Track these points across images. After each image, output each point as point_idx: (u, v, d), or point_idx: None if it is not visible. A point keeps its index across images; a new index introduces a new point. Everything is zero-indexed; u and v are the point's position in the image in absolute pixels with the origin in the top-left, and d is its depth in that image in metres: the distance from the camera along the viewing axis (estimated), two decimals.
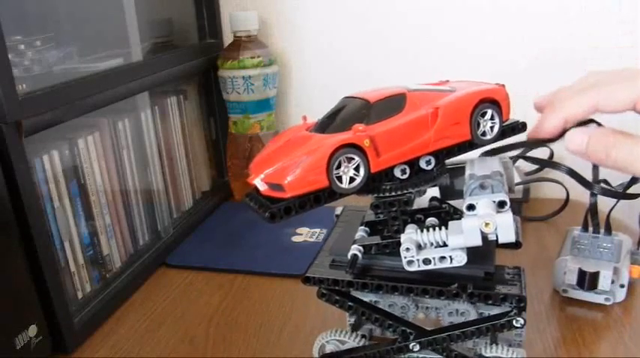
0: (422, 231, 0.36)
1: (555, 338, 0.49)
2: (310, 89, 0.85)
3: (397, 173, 0.36)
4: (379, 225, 0.39)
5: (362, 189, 0.35)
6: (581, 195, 0.56)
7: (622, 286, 0.52)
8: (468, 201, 0.34)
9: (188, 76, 0.77)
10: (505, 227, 0.33)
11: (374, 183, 0.36)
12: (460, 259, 0.35)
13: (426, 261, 0.35)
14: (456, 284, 0.37)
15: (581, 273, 0.52)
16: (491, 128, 0.37)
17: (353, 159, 0.34)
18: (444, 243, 0.35)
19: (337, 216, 0.46)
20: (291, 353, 0.49)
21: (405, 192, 0.37)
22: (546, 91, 0.40)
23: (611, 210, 0.55)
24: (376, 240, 0.39)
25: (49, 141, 0.51)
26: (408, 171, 0.36)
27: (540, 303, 0.54)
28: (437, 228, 0.36)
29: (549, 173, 0.71)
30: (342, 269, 0.39)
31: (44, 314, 0.48)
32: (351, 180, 0.34)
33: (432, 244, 0.36)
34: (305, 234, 0.70)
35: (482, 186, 0.35)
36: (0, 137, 0.43)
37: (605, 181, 0.55)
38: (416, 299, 0.47)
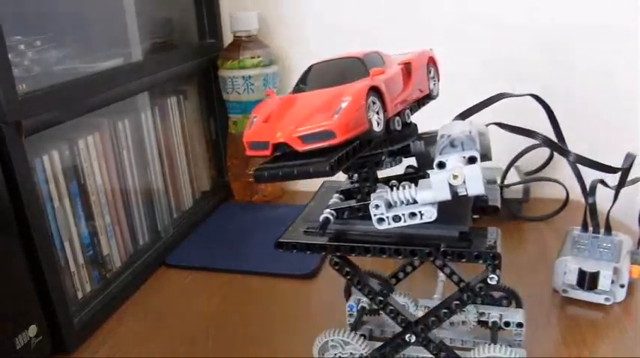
0: (392, 190, 0.36)
1: (555, 338, 0.49)
2: None
3: (395, 125, 0.36)
4: (354, 193, 0.39)
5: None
6: (581, 195, 0.56)
7: (622, 286, 0.52)
8: (438, 158, 0.34)
9: (188, 76, 0.77)
10: (473, 178, 0.32)
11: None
12: (430, 214, 0.34)
13: (396, 218, 0.35)
14: (428, 247, 0.36)
15: (581, 273, 0.52)
16: (434, 84, 0.43)
17: (375, 103, 0.33)
18: (414, 199, 0.35)
19: None
20: (291, 353, 0.49)
21: (375, 152, 0.36)
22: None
23: (610, 209, 0.55)
24: (349, 204, 0.38)
25: (49, 141, 0.51)
26: (400, 122, 0.37)
27: (540, 303, 0.54)
28: (407, 186, 0.35)
29: (549, 173, 0.71)
30: (317, 236, 0.38)
31: (44, 314, 0.48)
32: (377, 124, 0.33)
33: (402, 202, 0.35)
34: None
35: (452, 144, 0.34)
36: (0, 137, 0.44)
37: (602, 181, 0.55)
38: (415, 299, 0.47)
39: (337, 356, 0.43)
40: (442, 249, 0.35)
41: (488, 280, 0.36)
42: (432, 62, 0.43)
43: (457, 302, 0.38)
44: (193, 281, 0.62)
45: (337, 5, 0.80)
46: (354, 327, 0.46)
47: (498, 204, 0.38)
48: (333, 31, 0.82)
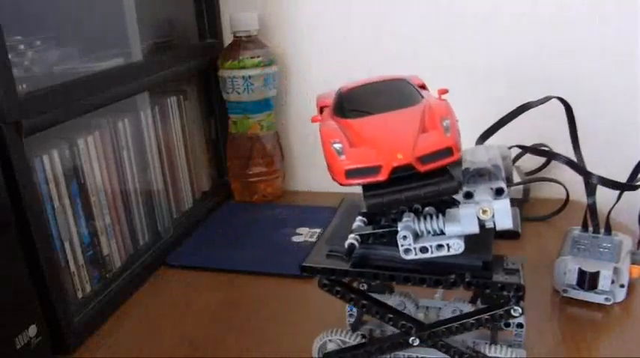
0: (419, 219, 0.36)
1: (555, 338, 0.49)
2: (310, 89, 0.85)
3: None
4: (376, 214, 0.39)
5: None
6: (581, 195, 0.56)
7: (622, 286, 0.52)
8: (466, 188, 0.34)
9: (188, 76, 0.77)
10: (502, 213, 0.33)
11: None
12: (457, 247, 0.34)
13: (423, 250, 0.35)
14: (453, 276, 0.36)
15: (581, 273, 0.52)
16: None
17: None
18: (442, 231, 0.35)
19: None
20: (291, 353, 0.49)
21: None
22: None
23: (611, 209, 0.55)
24: (374, 231, 0.38)
25: (49, 141, 0.51)
26: None
27: (540, 303, 0.54)
28: (434, 217, 0.35)
29: (549, 173, 0.71)
30: (339, 259, 0.38)
31: (44, 314, 0.48)
32: None
33: (429, 232, 0.35)
34: (305, 234, 0.70)
35: (479, 174, 0.35)
36: (0, 137, 0.44)
37: (602, 181, 0.55)
38: (415, 299, 0.47)
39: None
40: (467, 280, 0.36)
41: (512, 312, 0.37)
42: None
43: (473, 321, 0.38)
44: (193, 281, 0.62)
45: (337, 5, 0.80)
46: (354, 327, 0.46)
47: (519, 229, 0.38)
48: (334, 31, 0.82)
